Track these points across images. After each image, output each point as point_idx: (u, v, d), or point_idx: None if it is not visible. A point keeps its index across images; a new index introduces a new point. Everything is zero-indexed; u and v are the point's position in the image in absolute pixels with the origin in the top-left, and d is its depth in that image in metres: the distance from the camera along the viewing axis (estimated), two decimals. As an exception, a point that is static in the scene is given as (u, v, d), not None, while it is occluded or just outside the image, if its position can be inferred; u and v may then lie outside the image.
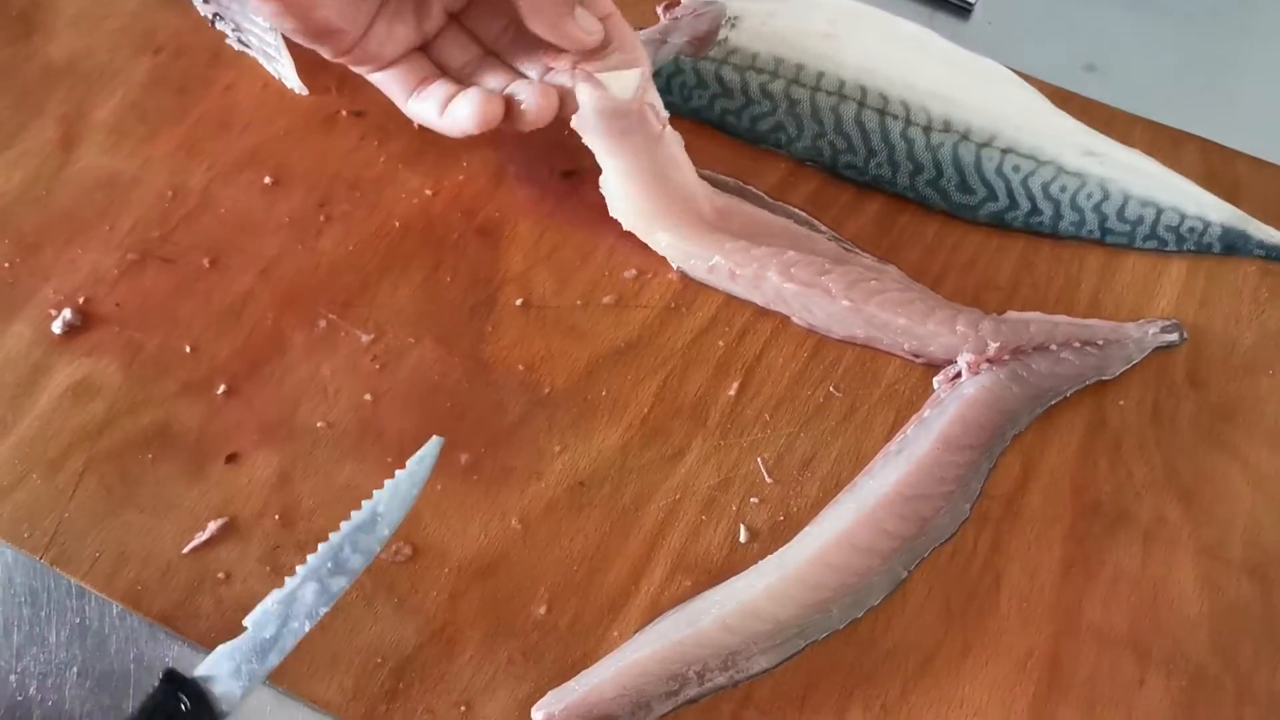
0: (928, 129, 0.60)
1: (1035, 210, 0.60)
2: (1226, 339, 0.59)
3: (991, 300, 0.59)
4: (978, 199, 0.60)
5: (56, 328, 0.57)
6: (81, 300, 0.58)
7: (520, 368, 0.56)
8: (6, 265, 0.58)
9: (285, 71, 0.62)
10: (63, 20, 0.67)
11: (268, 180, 0.61)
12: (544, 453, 0.54)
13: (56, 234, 0.59)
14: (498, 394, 0.56)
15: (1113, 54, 0.69)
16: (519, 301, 0.58)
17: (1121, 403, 0.56)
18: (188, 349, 0.56)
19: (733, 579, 0.51)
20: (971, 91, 0.61)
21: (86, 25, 0.67)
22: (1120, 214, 0.59)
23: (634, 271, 0.59)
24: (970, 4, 0.69)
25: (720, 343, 0.58)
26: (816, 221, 0.60)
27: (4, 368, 0.56)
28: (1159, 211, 0.60)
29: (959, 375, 0.56)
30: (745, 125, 0.62)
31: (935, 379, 0.56)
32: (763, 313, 0.58)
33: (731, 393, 0.56)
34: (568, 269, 0.59)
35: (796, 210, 0.60)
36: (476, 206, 0.61)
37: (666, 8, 0.65)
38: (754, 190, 0.61)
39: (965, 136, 0.60)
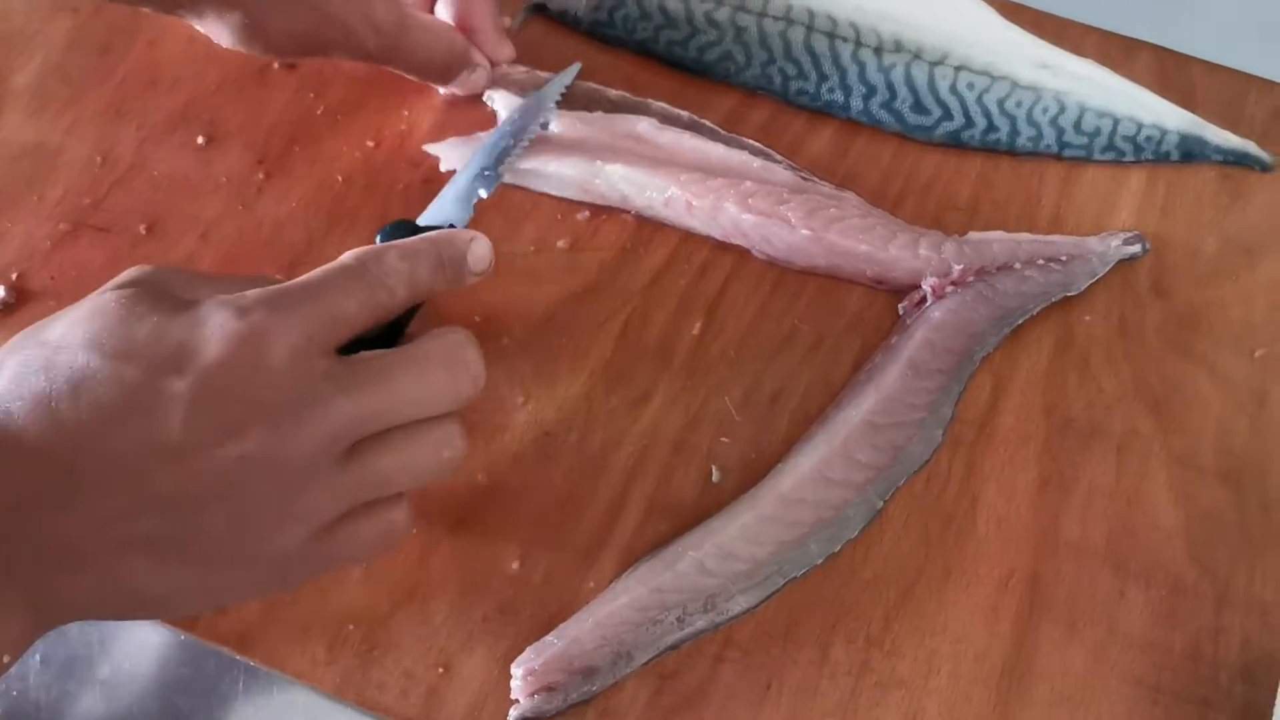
0: (879, 50, 0.59)
1: (991, 127, 0.59)
2: (1189, 247, 0.58)
3: (953, 221, 0.58)
4: (933, 119, 0.59)
5: (-10, 304, 0.55)
6: (14, 276, 0.55)
7: (476, 319, 0.55)
8: (-67, 243, 0.56)
9: None
10: (-28, -17, 0.64)
11: (201, 140, 0.59)
12: (507, 404, 0.53)
13: (-17, 208, 0.57)
14: (456, 347, 0.54)
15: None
16: (471, 251, 0.57)
17: (1088, 317, 0.56)
18: (131, 319, 0.54)
19: (707, 520, 0.50)
20: (921, 10, 0.60)
21: (-2, -13, 0.64)
22: (1077, 126, 0.59)
23: (587, 214, 0.58)
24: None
25: (680, 281, 0.56)
26: (772, 151, 0.58)
27: (-62, 350, 0.54)
28: (1115, 122, 0.59)
29: (924, 300, 0.55)
30: (692, 56, 0.60)
31: (900, 305, 0.55)
32: (721, 247, 0.57)
33: (695, 331, 0.55)
34: (518, 213, 0.58)
35: (750, 141, 0.58)
36: (420, 156, 0.59)
37: (603, -64, 0.63)
38: (706, 124, 0.59)
39: (917, 56, 0.59)
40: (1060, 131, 0.59)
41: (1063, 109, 0.59)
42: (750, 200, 0.55)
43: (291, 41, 0.51)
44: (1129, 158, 0.59)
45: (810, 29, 0.59)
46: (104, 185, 0.58)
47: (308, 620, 0.48)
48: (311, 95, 0.60)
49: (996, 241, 0.56)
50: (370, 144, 0.59)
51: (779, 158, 0.58)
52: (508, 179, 0.57)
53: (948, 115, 0.59)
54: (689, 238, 0.57)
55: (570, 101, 0.59)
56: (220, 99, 0.60)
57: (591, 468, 0.52)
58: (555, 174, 0.57)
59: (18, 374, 0.37)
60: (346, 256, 0.43)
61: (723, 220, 0.56)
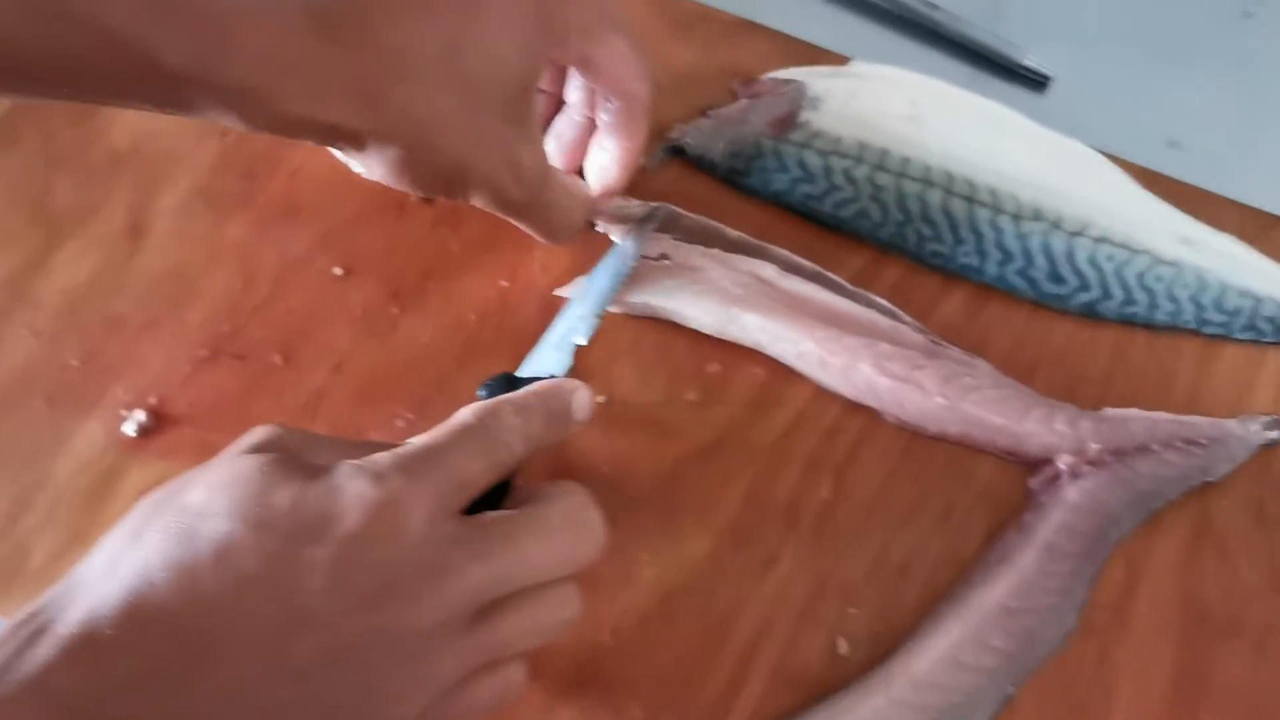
0: (1017, 217, 0.59)
1: (1129, 300, 0.58)
2: (1330, 433, 0.57)
3: (1085, 394, 0.57)
4: (1069, 289, 0.58)
5: (129, 429, 0.55)
6: (153, 400, 0.56)
7: (605, 469, 0.55)
8: (75, 364, 0.57)
9: None
10: (123, 99, 0.66)
11: (338, 270, 0.60)
12: (633, 560, 0.53)
13: (126, 329, 0.58)
14: (584, 498, 0.54)
15: (1195, 128, 0.67)
16: (601, 398, 0.57)
17: (1225, 503, 0.55)
18: (264, 451, 0.55)
19: (835, 698, 0.49)
20: (1060, 176, 0.60)
21: (149, 106, 0.65)
22: (1218, 304, 0.58)
23: (718, 366, 0.58)
24: (1046, 77, 0.68)
25: (810, 441, 0.56)
26: (900, 312, 0.58)
27: (77, 473, 0.54)
28: (1258, 302, 0.58)
29: (1058, 477, 0.54)
30: (828, 211, 0.60)
31: (1032, 481, 0.55)
32: (852, 408, 0.57)
33: (824, 494, 0.55)
34: (649, 363, 0.58)
35: (878, 299, 0.58)
36: (554, 298, 0.59)
37: (744, 84, 0.64)
38: (831, 276, 0.59)
39: (1056, 225, 0.59)
40: (1200, 308, 0.58)
41: (1204, 286, 0.58)
42: (886, 363, 0.55)
43: (438, 180, 0.52)
44: (1269, 338, 0.58)
45: (949, 192, 0.59)
46: (243, 312, 0.59)
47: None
48: (448, 230, 0.61)
49: (1134, 420, 0.55)
50: (504, 283, 0.60)
51: (907, 319, 0.58)
52: (642, 311, 0.57)
53: (1084, 286, 0.58)
54: (819, 395, 0.57)
55: (688, 236, 0.59)
56: (358, 230, 0.61)
57: (715, 631, 0.51)
58: (693, 318, 0.57)
59: (162, 543, 0.38)
60: (464, 415, 0.44)
61: (856, 380, 0.56)
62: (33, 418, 0.56)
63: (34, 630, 0.36)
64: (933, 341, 0.57)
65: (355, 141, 0.48)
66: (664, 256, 0.59)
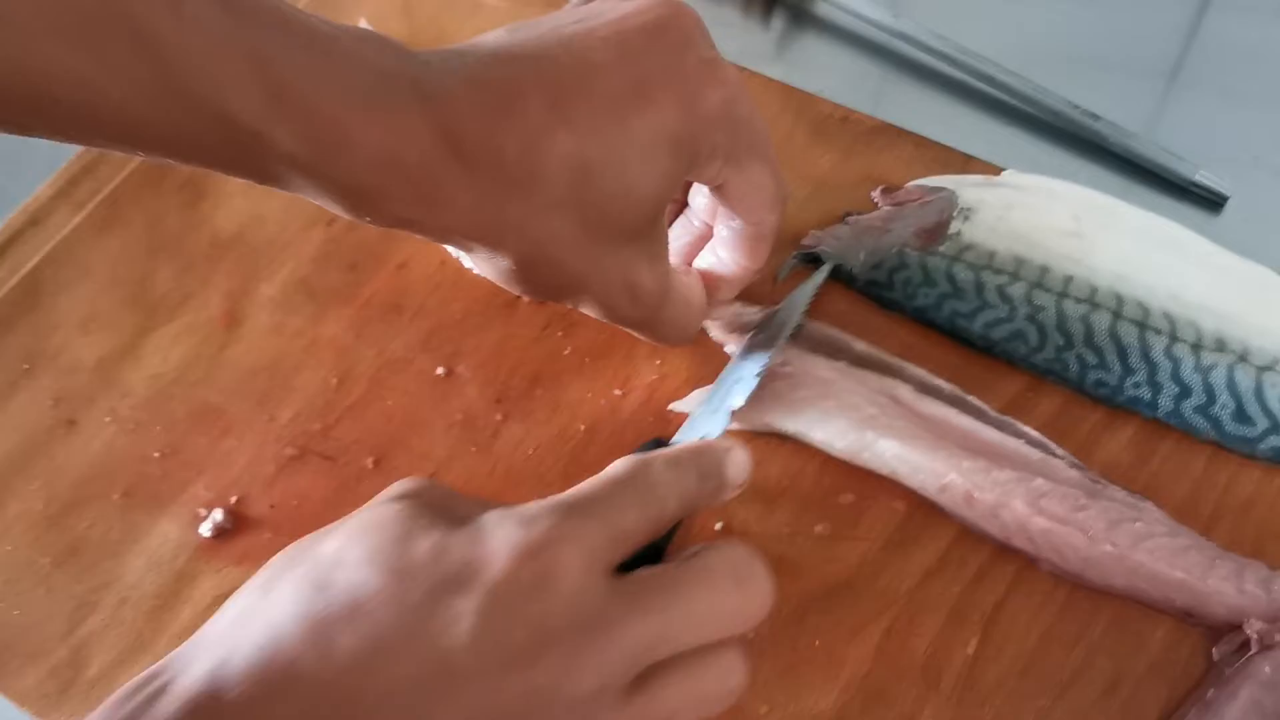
0: (1197, 347, 0.52)
1: (1329, 446, 0.51)
2: None
3: (1276, 552, 0.50)
4: (1258, 431, 0.51)
5: (205, 530, 0.51)
6: (234, 500, 0.52)
7: (721, 606, 0.49)
8: (157, 455, 0.53)
9: None
10: (233, 185, 0.63)
11: (440, 371, 0.56)
12: (748, 713, 0.46)
13: (213, 423, 0.54)
14: (695, 638, 0.48)
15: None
16: (718, 526, 0.51)
17: None
18: (346, 563, 0.50)
19: None
20: (1246, 304, 0.53)
21: (258, 193, 0.62)
22: None
23: (851, 496, 0.51)
24: (1224, 196, 0.61)
25: (954, 588, 0.49)
26: (1053, 444, 0.52)
27: (146, 573, 0.50)
28: None
29: (1246, 645, 0.46)
30: (978, 331, 0.54)
31: (1215, 649, 0.47)
32: (1002, 552, 0.50)
33: (969, 650, 0.48)
34: (773, 489, 0.52)
35: (1026, 429, 0.52)
36: (670, 412, 0.54)
37: (886, 191, 0.59)
38: (972, 400, 0.53)
39: (1243, 358, 0.52)
40: None
41: None
42: (1042, 501, 0.49)
43: (550, 292, 0.48)
44: None
45: (1118, 315, 0.53)
46: (336, 410, 0.55)
47: None
48: (560, 334, 0.57)
49: None
50: (618, 392, 0.55)
51: (1061, 452, 0.51)
52: (764, 429, 0.53)
53: (1276, 428, 0.51)
54: (964, 536, 0.50)
55: (811, 345, 0.54)
56: (464, 330, 0.57)
57: (844, 810, 0.45)
58: (823, 441, 0.51)
59: (293, 596, 0.35)
60: (616, 467, 0.40)
61: (1006, 519, 0.49)
62: (107, 512, 0.52)
63: (155, 689, 0.34)
64: (1092, 480, 0.50)
65: (467, 245, 0.45)
66: (785, 364, 0.53)
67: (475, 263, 0.47)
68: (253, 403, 0.55)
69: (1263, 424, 0.51)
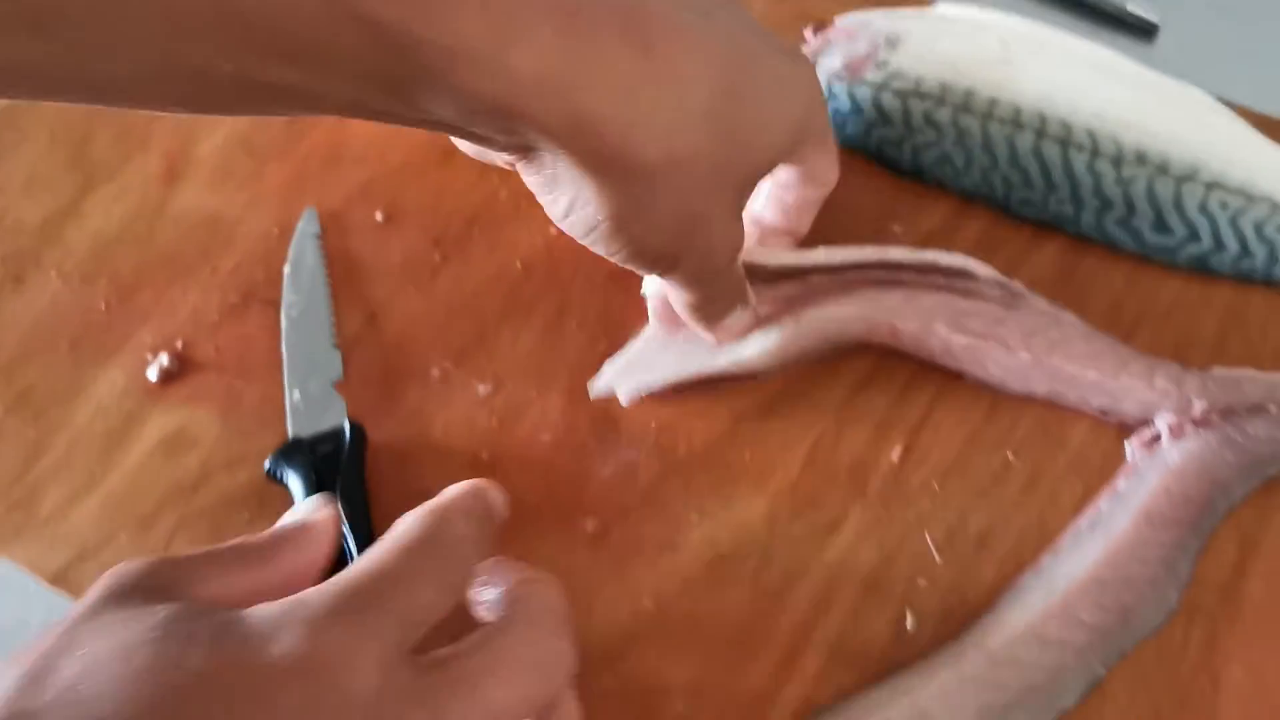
0: (1118, 161, 0.53)
1: (1246, 253, 0.52)
2: None
3: (1195, 357, 0.51)
4: (1177, 240, 0.52)
5: (152, 374, 0.52)
6: (179, 345, 0.53)
7: (654, 425, 0.50)
8: (102, 307, 0.54)
9: None
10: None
11: (379, 217, 0.57)
12: (680, 521, 0.48)
13: (156, 275, 0.55)
14: (629, 455, 0.50)
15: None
16: (652, 350, 0.52)
17: (1358, 476, 0.48)
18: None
19: (899, 674, 0.43)
20: (1168, 119, 0.54)
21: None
22: (1348, 256, 0.51)
23: (781, 319, 0.53)
24: (1153, 25, 0.62)
25: (879, 400, 0.51)
26: (977, 266, 0.52)
27: (95, 417, 0.51)
28: (1394, 253, 0.51)
29: (1158, 439, 0.48)
30: (906, 157, 0.55)
31: (1128, 443, 0.49)
32: (928, 367, 0.51)
33: (894, 457, 0.49)
34: (706, 315, 0.53)
35: (949, 262, 0.51)
36: (605, 247, 0.55)
37: (815, 30, 0.59)
38: (896, 257, 0.52)
39: (1163, 170, 0.53)
40: (1327, 261, 0.52)
41: (1331, 236, 0.52)
42: (963, 320, 0.50)
43: (656, 236, 0.40)
44: (1407, 296, 0.52)
45: (1041, 134, 0.54)
46: (278, 259, 0.55)
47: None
48: (496, 179, 0.57)
49: (1248, 380, 0.49)
50: (554, 231, 0.56)
51: (984, 273, 0.52)
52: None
53: (1194, 237, 0.52)
54: (890, 354, 0.52)
55: None
56: (403, 179, 0.58)
57: (770, 601, 0.46)
58: (751, 358, 0.50)
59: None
60: (409, 529, 0.36)
61: (932, 344, 0.50)
62: (55, 361, 0.53)
63: None
64: (1013, 293, 0.51)
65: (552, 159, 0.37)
66: None
67: (553, 196, 0.39)
68: (195, 255, 0.56)
69: (1181, 233, 0.52)
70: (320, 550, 0.41)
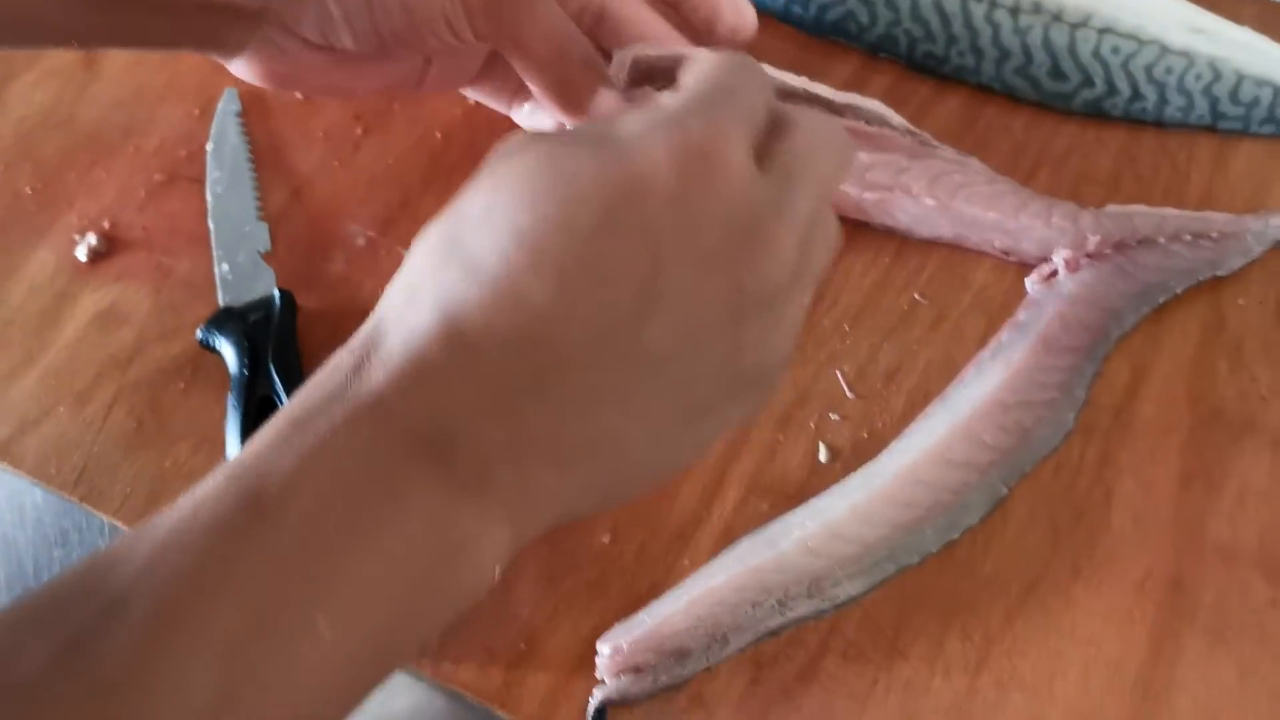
0: (1015, 11, 0.55)
1: (1137, 95, 0.54)
2: (1356, 230, 0.53)
3: (1090, 197, 0.53)
4: (1072, 86, 0.54)
5: (81, 254, 0.53)
6: (107, 224, 0.54)
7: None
8: (29, 191, 0.55)
9: None
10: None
11: (299, 95, 0.57)
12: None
13: (79, 157, 0.56)
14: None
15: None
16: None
17: (1241, 301, 0.51)
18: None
19: (815, 498, 0.46)
20: (1061, -33, 0.56)
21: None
22: (1233, 96, 0.54)
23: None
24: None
25: (792, 249, 0.53)
26: (890, 115, 0.54)
27: (28, 297, 0.52)
28: (1276, 91, 0.54)
29: (1055, 273, 0.50)
30: (811, 16, 0.57)
31: (1029, 279, 0.51)
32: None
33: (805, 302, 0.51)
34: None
35: (865, 105, 0.54)
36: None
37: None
38: (821, 92, 0.55)
39: (1057, 17, 0.55)
40: (1214, 101, 0.54)
41: (1217, 76, 0.54)
42: (867, 176, 0.52)
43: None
44: (1290, 132, 0.54)
45: (941, -12, 0.56)
46: (200, 138, 0.56)
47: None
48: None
49: (1139, 215, 0.51)
50: (472, 102, 0.57)
51: (896, 122, 0.54)
52: None
53: (1088, 82, 0.54)
54: (803, 205, 0.53)
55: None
56: (322, 55, 0.59)
57: (691, 441, 0.48)
58: None
59: (461, 263, 0.32)
60: (718, 60, 0.36)
61: (841, 202, 0.52)
62: (-16, 245, 0.54)
63: (357, 360, 0.32)
64: (921, 143, 0.53)
65: None
66: None
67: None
68: (118, 136, 0.56)
69: (1076, 78, 0.54)
70: None
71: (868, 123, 0.54)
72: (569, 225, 0.31)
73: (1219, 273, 0.50)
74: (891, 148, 0.53)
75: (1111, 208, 0.51)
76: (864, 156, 0.52)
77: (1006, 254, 0.51)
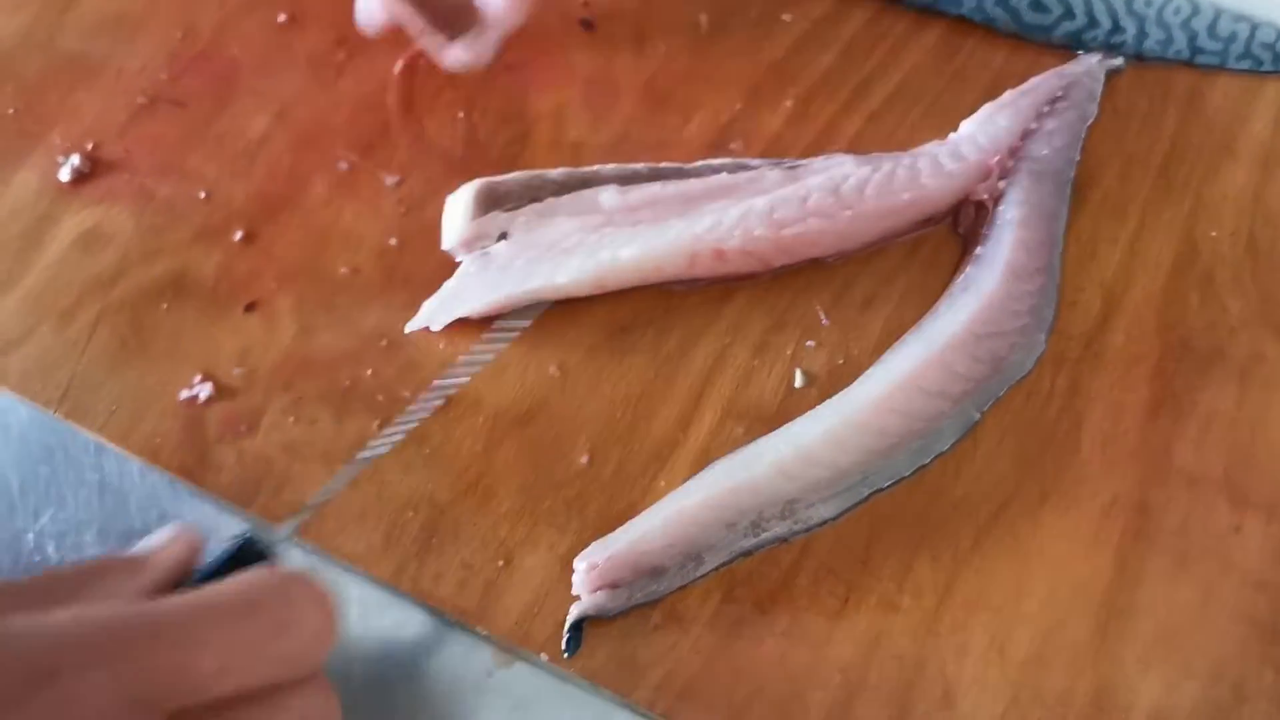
0: (996, -58, 0.55)
1: (1117, 29, 0.54)
2: (1328, 165, 0.53)
3: (1069, 129, 0.54)
4: (1052, 18, 0.55)
5: (64, 175, 0.53)
6: (90, 146, 0.54)
7: (556, 210, 0.52)
8: (10, 112, 0.55)
9: None
10: None
11: (282, 18, 0.57)
12: (582, 297, 0.51)
13: (61, 79, 0.56)
14: (533, 235, 0.52)
15: None
16: (550, 137, 0.54)
17: (1214, 234, 0.52)
18: (202, 194, 0.53)
19: (790, 423, 0.47)
20: (1044, -100, 0.56)
21: None
22: (1211, 31, 0.54)
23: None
24: None
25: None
26: (743, 159, 0.53)
27: (10, 218, 0.52)
28: (1254, 27, 0.54)
29: (982, 211, 0.52)
30: (794, -53, 0.57)
31: (961, 230, 0.52)
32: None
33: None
34: (602, 103, 0.55)
35: (717, 161, 0.53)
36: (502, 43, 0.56)
37: None
38: (666, 166, 0.53)
39: (1039, -51, 0.55)
40: (1192, 35, 0.54)
41: (1196, 10, 0.54)
42: (775, 216, 0.50)
43: None
44: (1267, 67, 0.54)
45: (921, -84, 0.56)
46: (182, 60, 0.56)
47: (365, 507, 0.46)
48: (397, -22, 0.58)
49: (990, 114, 0.53)
50: (455, 29, 0.57)
51: (754, 162, 0.53)
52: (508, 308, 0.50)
53: (1069, 14, 0.55)
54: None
55: (516, 198, 0.52)
56: (304, -20, 0.58)
57: (668, 366, 0.49)
58: (568, 286, 0.50)
59: None
60: (237, 585, 0.33)
61: (759, 250, 0.50)
62: (-35, 166, 0.54)
63: None
64: (788, 166, 0.52)
65: None
66: (503, 236, 0.51)
67: None
68: (99, 58, 0.56)
69: (1057, 11, 0.55)
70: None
71: (730, 173, 0.52)
72: None
73: (1089, 118, 0.53)
74: (768, 187, 0.52)
75: (963, 126, 0.53)
76: (761, 203, 0.50)
77: (930, 221, 0.52)
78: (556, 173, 0.52)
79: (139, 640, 0.30)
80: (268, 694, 0.32)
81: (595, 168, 0.52)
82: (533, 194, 0.52)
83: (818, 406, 0.47)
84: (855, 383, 0.48)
